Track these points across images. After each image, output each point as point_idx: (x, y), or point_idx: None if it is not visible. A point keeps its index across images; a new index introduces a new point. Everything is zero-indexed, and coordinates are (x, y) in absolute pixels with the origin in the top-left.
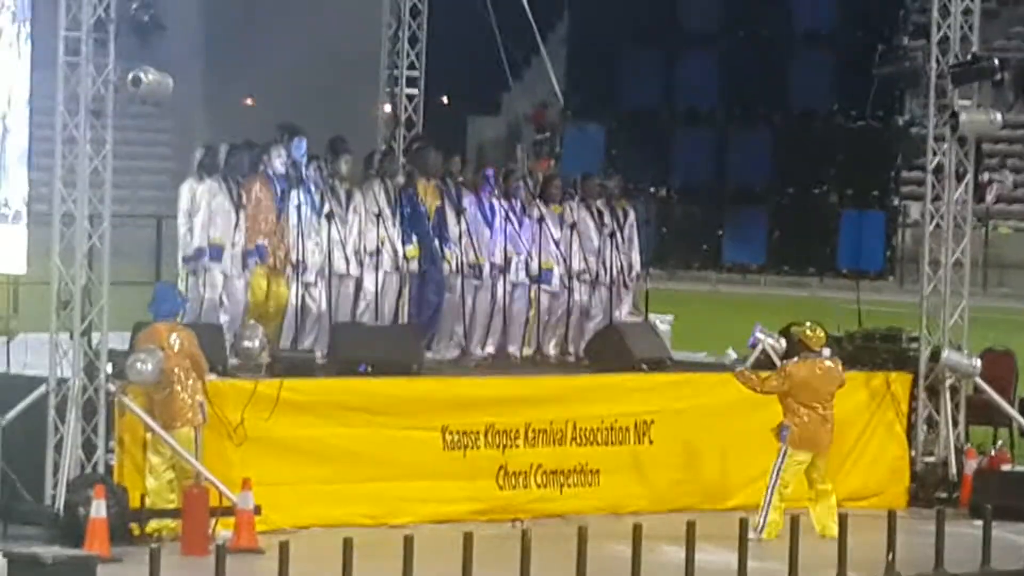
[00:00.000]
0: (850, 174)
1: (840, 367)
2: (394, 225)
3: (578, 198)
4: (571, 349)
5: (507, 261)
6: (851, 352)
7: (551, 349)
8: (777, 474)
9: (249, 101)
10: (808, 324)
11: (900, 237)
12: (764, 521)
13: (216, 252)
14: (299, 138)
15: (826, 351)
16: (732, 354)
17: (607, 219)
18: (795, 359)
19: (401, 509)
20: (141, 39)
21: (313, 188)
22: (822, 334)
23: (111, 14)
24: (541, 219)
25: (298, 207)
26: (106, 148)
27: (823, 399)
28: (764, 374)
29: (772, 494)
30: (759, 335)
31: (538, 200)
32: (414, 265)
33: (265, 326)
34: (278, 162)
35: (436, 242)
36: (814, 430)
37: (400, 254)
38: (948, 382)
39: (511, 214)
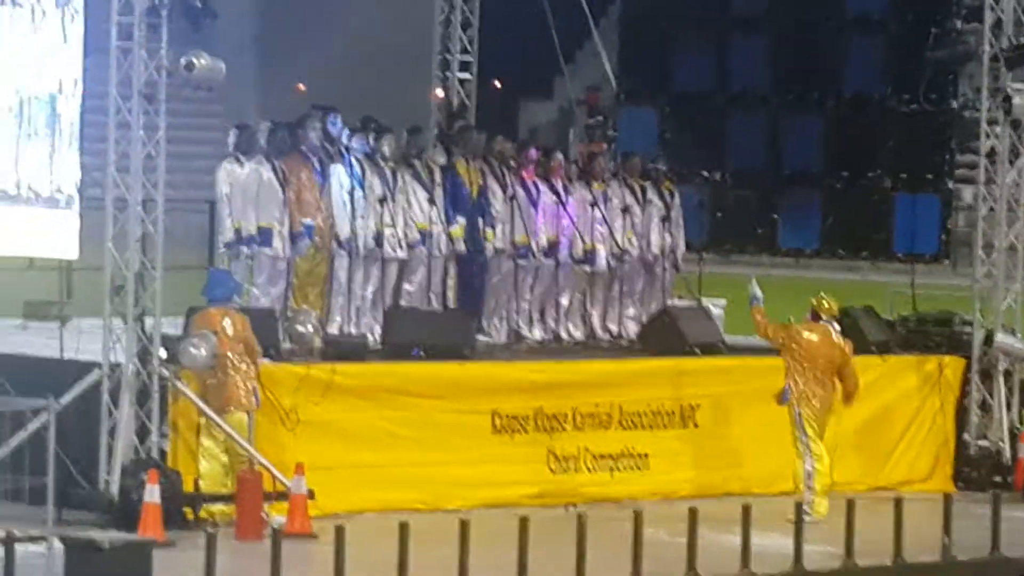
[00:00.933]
0: (904, 158)
1: (843, 344)
2: (436, 205)
3: (620, 177)
4: (623, 332)
5: (553, 243)
6: (904, 336)
7: (601, 331)
8: (806, 446)
9: (301, 86)
10: (824, 295)
11: (955, 221)
12: (810, 497)
13: (266, 235)
14: (334, 114)
15: (836, 325)
16: (757, 291)
17: (656, 201)
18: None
19: (454, 493)
20: (194, 24)
21: (354, 161)
22: (834, 306)
23: (164, 0)
24: (594, 203)
25: (341, 182)
26: (159, 133)
27: (820, 365)
28: (776, 325)
29: (808, 464)
30: None
31: (578, 181)
32: (460, 246)
33: (310, 303)
34: (313, 135)
35: (480, 222)
36: (812, 387)
37: (445, 235)
38: (1001, 366)
39: (555, 195)
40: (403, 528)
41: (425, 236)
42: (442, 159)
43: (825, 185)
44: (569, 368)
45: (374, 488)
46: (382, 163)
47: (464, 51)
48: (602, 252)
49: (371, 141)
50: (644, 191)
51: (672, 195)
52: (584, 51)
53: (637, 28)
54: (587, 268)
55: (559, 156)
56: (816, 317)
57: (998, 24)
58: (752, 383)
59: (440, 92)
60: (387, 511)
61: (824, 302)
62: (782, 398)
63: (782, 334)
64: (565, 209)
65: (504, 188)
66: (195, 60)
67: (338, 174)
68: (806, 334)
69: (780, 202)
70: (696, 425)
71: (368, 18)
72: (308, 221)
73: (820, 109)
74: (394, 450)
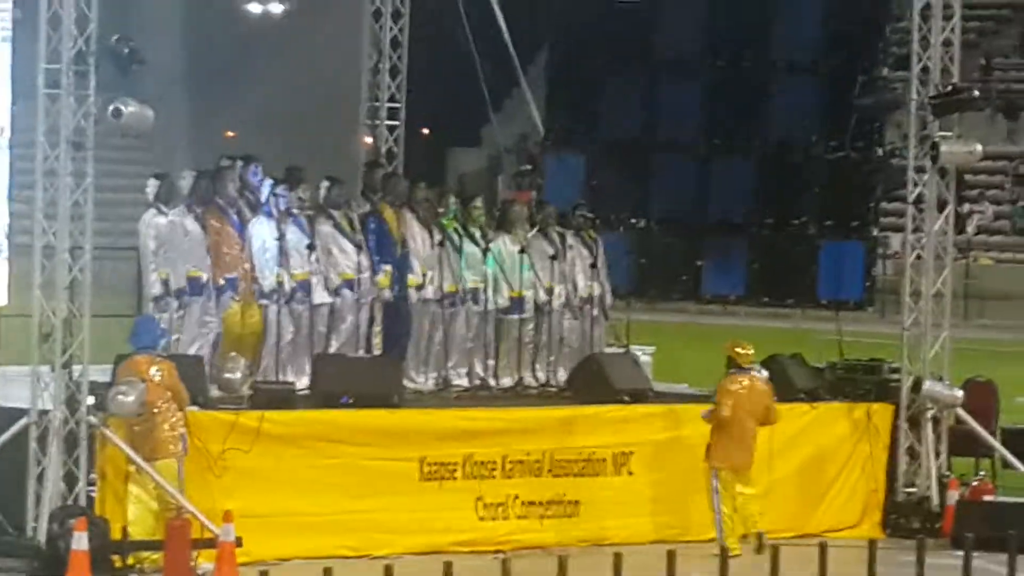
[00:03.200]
0: (830, 205)
1: (768, 387)
2: (360, 254)
3: (537, 227)
4: (551, 379)
5: (477, 291)
6: (832, 383)
7: (530, 378)
8: (717, 496)
9: (230, 133)
10: (740, 342)
11: (881, 268)
12: (722, 547)
13: (195, 285)
14: (255, 164)
15: (759, 371)
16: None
17: (580, 249)
18: (727, 376)
19: (382, 541)
20: (121, 71)
21: (275, 211)
22: (751, 352)
23: (91, 47)
24: (522, 250)
25: (263, 232)
26: (87, 180)
27: (744, 416)
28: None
29: (720, 516)
30: None
31: (500, 230)
32: (386, 294)
33: (243, 355)
34: (230, 186)
35: (404, 269)
36: (738, 445)
37: (368, 283)
38: (930, 413)
39: (477, 243)
40: (327, 573)
41: (352, 284)
42: (364, 207)
43: (751, 231)
44: (499, 415)
45: (304, 535)
46: (300, 212)
47: (392, 99)
48: (529, 299)
49: (293, 189)
50: (563, 239)
51: (596, 243)
52: (513, 99)
53: (565, 75)
54: (514, 316)
55: (476, 203)
56: (736, 367)
57: (925, 71)
58: (683, 430)
59: (369, 139)
60: (316, 558)
61: (740, 351)
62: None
63: (726, 403)
64: (488, 256)
65: (430, 234)
66: (123, 107)
67: (259, 224)
68: (734, 387)
69: (705, 249)
70: (631, 473)
71: (297, 65)
72: (230, 275)
73: (748, 155)
74: (323, 497)
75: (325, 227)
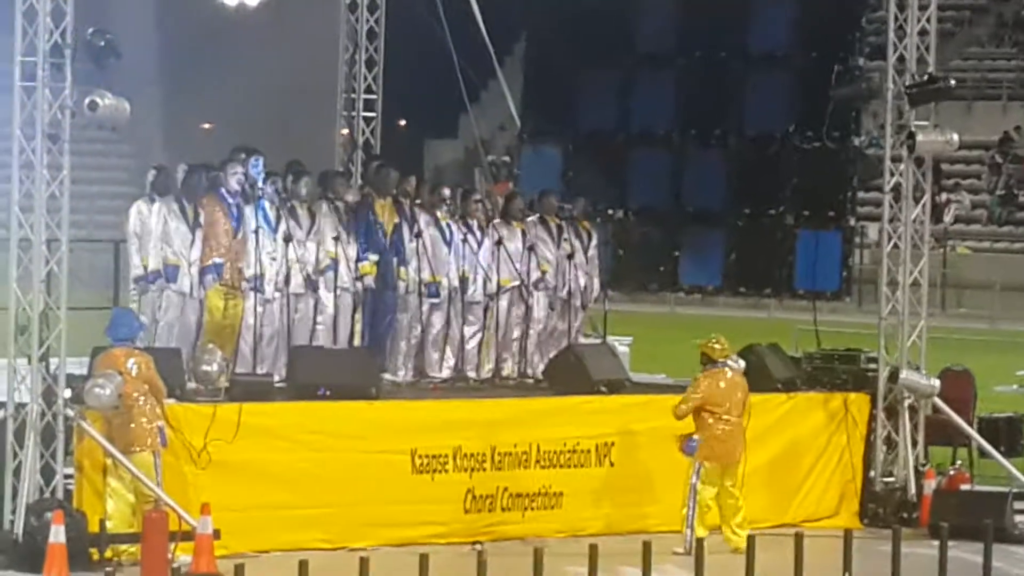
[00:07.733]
0: (806, 195)
1: (743, 378)
2: (349, 244)
3: (537, 216)
4: (529, 371)
5: (463, 281)
6: (809, 373)
7: (509, 369)
8: (694, 491)
9: (207, 125)
10: (712, 336)
11: (858, 258)
12: (691, 541)
13: (172, 272)
14: (256, 157)
15: (732, 362)
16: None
17: (571, 239)
18: (702, 371)
19: (361, 533)
20: (97, 64)
21: (268, 205)
22: (725, 345)
23: (67, 39)
24: (499, 241)
25: (256, 226)
26: (63, 173)
27: (729, 409)
28: (686, 399)
29: (693, 512)
30: None
31: (498, 219)
32: (369, 281)
33: (221, 346)
34: (233, 180)
35: (394, 260)
36: (723, 441)
37: (354, 274)
38: (907, 402)
39: (468, 235)
40: (302, 566)
41: (334, 272)
42: (352, 197)
43: (728, 222)
44: (485, 407)
45: (282, 528)
46: (297, 204)
47: (369, 90)
48: (511, 290)
49: (288, 182)
50: (560, 230)
51: (589, 235)
52: (489, 90)
53: (541, 67)
54: (496, 305)
55: (475, 195)
56: (711, 362)
57: (901, 61)
58: (662, 420)
59: (346, 131)
60: (294, 551)
61: (714, 345)
62: (687, 448)
63: (695, 395)
64: (477, 248)
65: (412, 226)
66: (99, 100)
67: (252, 215)
68: (715, 384)
69: (682, 239)
70: (612, 464)
71: (273, 56)
72: (217, 260)
73: (723, 147)
74: (303, 490)
75: (322, 216)
